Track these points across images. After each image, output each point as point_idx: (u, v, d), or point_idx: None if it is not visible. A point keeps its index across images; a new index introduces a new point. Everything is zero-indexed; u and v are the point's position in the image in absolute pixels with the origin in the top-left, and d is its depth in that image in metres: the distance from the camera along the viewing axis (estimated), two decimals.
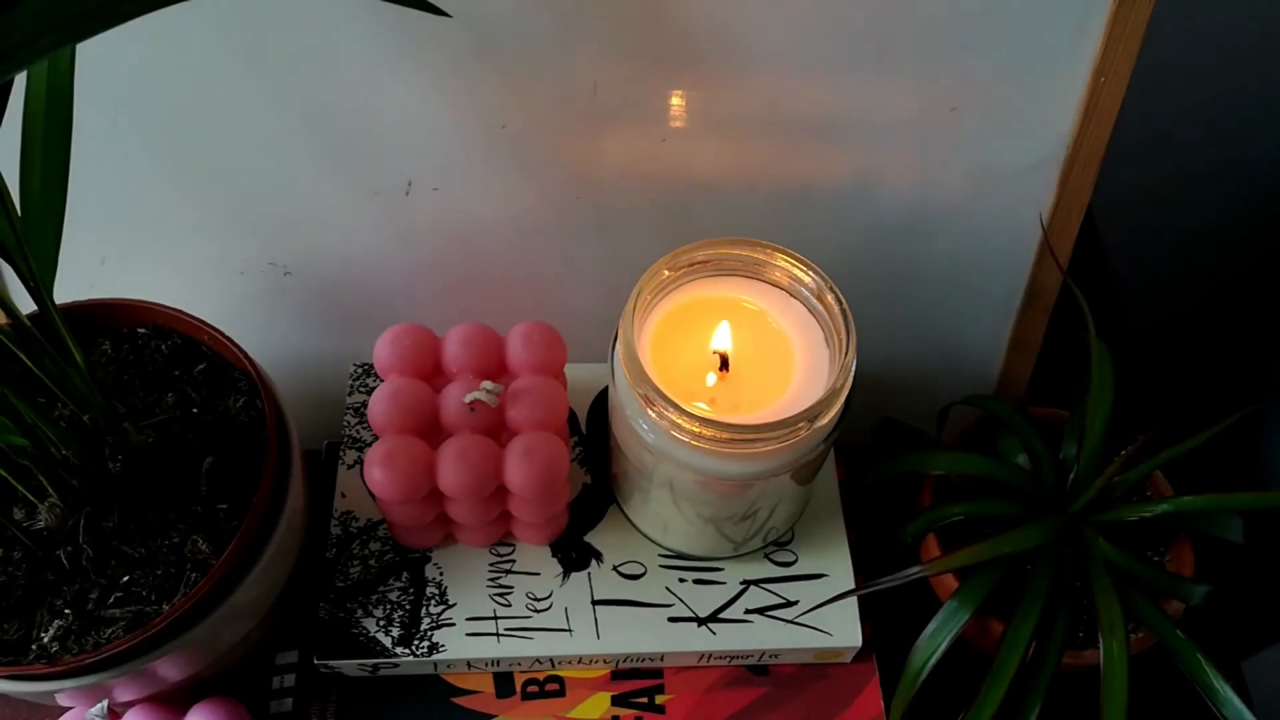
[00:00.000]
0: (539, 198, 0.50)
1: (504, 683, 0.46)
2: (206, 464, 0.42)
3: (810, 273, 0.42)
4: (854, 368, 0.39)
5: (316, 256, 0.52)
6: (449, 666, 0.46)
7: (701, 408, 0.41)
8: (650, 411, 0.39)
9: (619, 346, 0.40)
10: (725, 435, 0.38)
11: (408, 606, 0.46)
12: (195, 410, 0.43)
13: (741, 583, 0.47)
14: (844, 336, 0.40)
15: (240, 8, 0.43)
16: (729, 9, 0.43)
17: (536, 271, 0.53)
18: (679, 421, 0.39)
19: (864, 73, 0.46)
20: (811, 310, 0.43)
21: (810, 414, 0.38)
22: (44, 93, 0.34)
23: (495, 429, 0.43)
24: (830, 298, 0.41)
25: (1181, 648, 0.43)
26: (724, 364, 0.43)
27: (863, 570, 0.47)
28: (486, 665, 0.46)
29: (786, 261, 0.42)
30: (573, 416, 0.51)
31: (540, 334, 0.45)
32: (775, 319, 0.44)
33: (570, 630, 0.45)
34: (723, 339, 0.43)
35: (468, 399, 0.42)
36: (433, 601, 0.46)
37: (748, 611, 0.46)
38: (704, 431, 0.38)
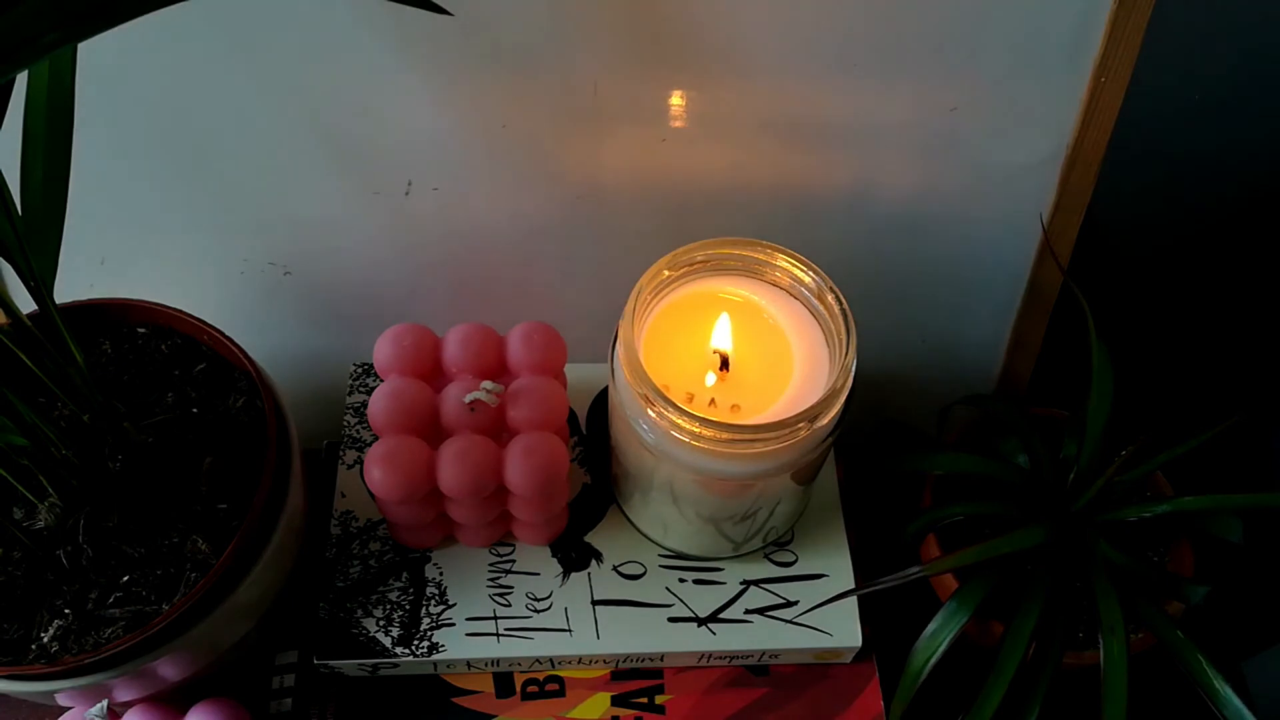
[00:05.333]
0: (539, 198, 0.50)
1: (504, 683, 0.46)
2: (206, 464, 0.42)
3: (810, 273, 0.42)
4: (854, 368, 0.39)
5: (316, 256, 0.52)
6: (449, 666, 0.46)
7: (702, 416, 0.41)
8: (650, 411, 0.39)
9: (619, 347, 0.40)
10: (725, 435, 0.38)
11: (407, 606, 0.46)
12: (195, 410, 0.43)
13: (741, 583, 0.47)
14: (844, 337, 0.40)
15: (241, 8, 0.43)
16: (729, 10, 0.43)
17: (536, 271, 0.53)
18: (679, 421, 0.39)
19: (864, 73, 0.46)
20: (811, 310, 0.43)
21: (810, 414, 0.38)
22: (45, 92, 0.34)
23: (495, 429, 0.43)
24: (830, 298, 0.41)
25: (1181, 648, 0.43)
26: (724, 364, 0.43)
27: (863, 570, 0.47)
28: (486, 665, 0.46)
29: (787, 262, 0.42)
30: (573, 416, 0.51)
31: (540, 334, 0.45)
32: (775, 319, 0.44)
33: (570, 630, 0.45)
34: (723, 338, 0.43)
35: (468, 399, 0.42)
36: (432, 601, 0.46)
37: (748, 611, 0.46)
38: (704, 431, 0.38)
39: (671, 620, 0.46)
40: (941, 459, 0.50)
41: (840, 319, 0.41)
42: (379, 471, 0.41)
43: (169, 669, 0.39)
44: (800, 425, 0.38)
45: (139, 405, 0.43)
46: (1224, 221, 0.84)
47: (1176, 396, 0.68)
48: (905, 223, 0.51)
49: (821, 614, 0.46)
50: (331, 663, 0.44)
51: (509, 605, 0.46)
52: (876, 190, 0.50)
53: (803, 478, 0.43)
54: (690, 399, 0.42)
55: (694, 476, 0.41)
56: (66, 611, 0.38)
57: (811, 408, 0.38)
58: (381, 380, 0.45)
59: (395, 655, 0.44)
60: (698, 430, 0.38)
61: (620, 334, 0.40)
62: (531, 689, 0.46)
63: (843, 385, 0.39)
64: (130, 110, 0.46)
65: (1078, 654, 0.45)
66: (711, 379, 0.43)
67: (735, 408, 0.42)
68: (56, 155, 0.35)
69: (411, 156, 0.48)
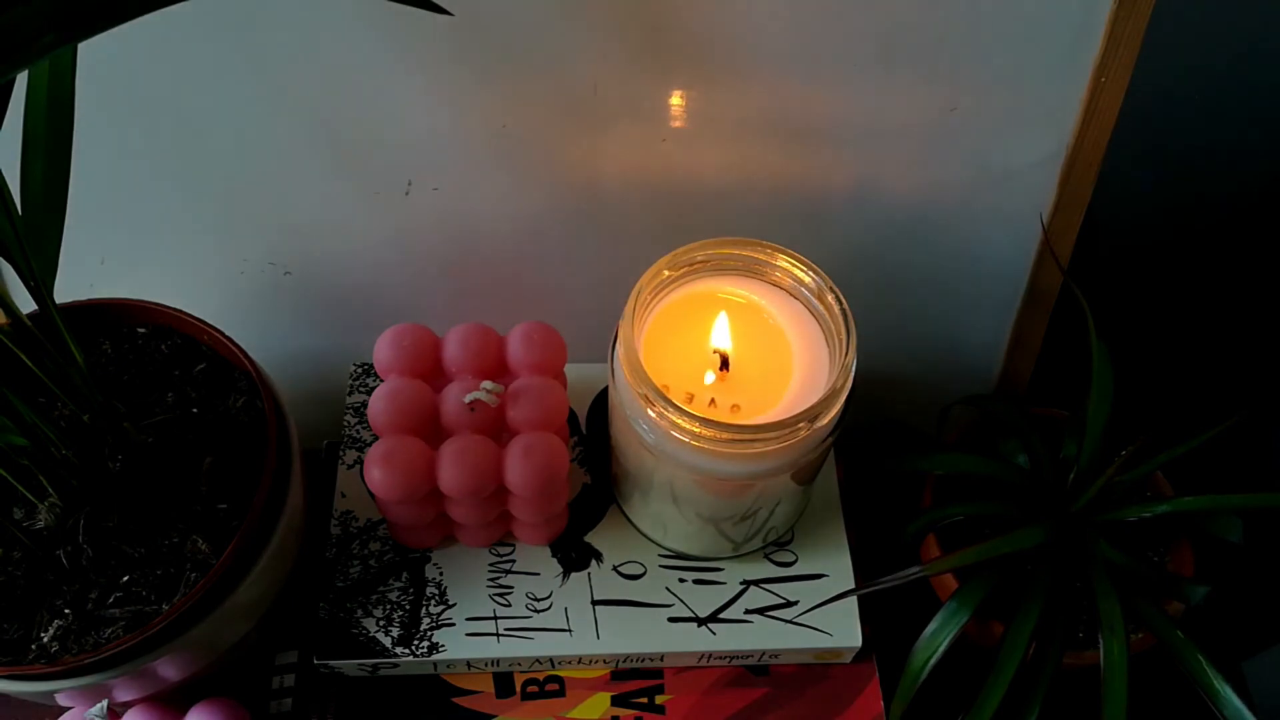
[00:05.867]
0: (539, 198, 0.50)
1: (504, 683, 0.46)
2: (206, 464, 0.42)
3: (810, 273, 0.42)
4: (854, 368, 0.39)
5: (316, 256, 0.52)
6: (449, 666, 0.46)
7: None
8: (650, 411, 0.39)
9: (619, 347, 0.40)
10: (725, 435, 0.38)
11: (407, 606, 0.46)
12: (195, 410, 0.43)
13: (741, 583, 0.47)
14: (844, 337, 0.40)
15: (241, 7, 0.43)
16: (730, 10, 0.43)
17: (536, 271, 0.53)
18: (678, 421, 0.39)
19: (864, 73, 0.46)
20: (812, 310, 0.43)
21: (810, 414, 0.38)
22: (45, 92, 0.34)
23: (495, 429, 0.43)
24: (830, 298, 0.41)
25: (1181, 648, 0.43)
26: (724, 364, 0.43)
27: (863, 570, 0.47)
28: (486, 665, 0.46)
29: (787, 262, 0.42)
30: (573, 416, 0.51)
31: (540, 334, 0.45)
32: (775, 319, 0.44)
33: (570, 630, 0.45)
34: (722, 337, 0.43)
35: (467, 399, 0.42)
36: (432, 601, 0.46)
37: (748, 611, 0.46)
38: (703, 431, 0.38)
39: (671, 620, 0.46)
40: (941, 459, 0.50)
41: (840, 319, 0.41)
42: (379, 471, 0.41)
43: (169, 669, 0.39)
44: (800, 425, 0.38)
45: (139, 405, 0.43)
46: (1224, 221, 0.84)
47: (1176, 396, 0.68)
48: (905, 223, 0.51)
49: (821, 614, 0.46)
50: (331, 663, 0.44)
51: (509, 605, 0.46)
52: (876, 190, 0.50)
53: (803, 478, 0.43)
54: (690, 399, 0.42)
55: (694, 476, 0.41)
56: (66, 611, 0.38)
57: (811, 408, 0.38)
58: (381, 380, 0.45)
59: (395, 655, 0.44)
60: (698, 430, 0.38)
61: (620, 334, 0.40)
62: (531, 689, 0.46)
63: (843, 385, 0.39)
64: (130, 110, 0.46)
65: (1078, 654, 0.45)
66: (711, 379, 0.43)
67: (735, 408, 0.42)
68: (56, 155, 0.35)
69: (411, 156, 0.48)
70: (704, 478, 0.41)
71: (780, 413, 0.40)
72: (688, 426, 0.38)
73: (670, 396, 0.39)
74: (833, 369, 0.41)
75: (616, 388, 0.42)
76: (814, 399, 0.39)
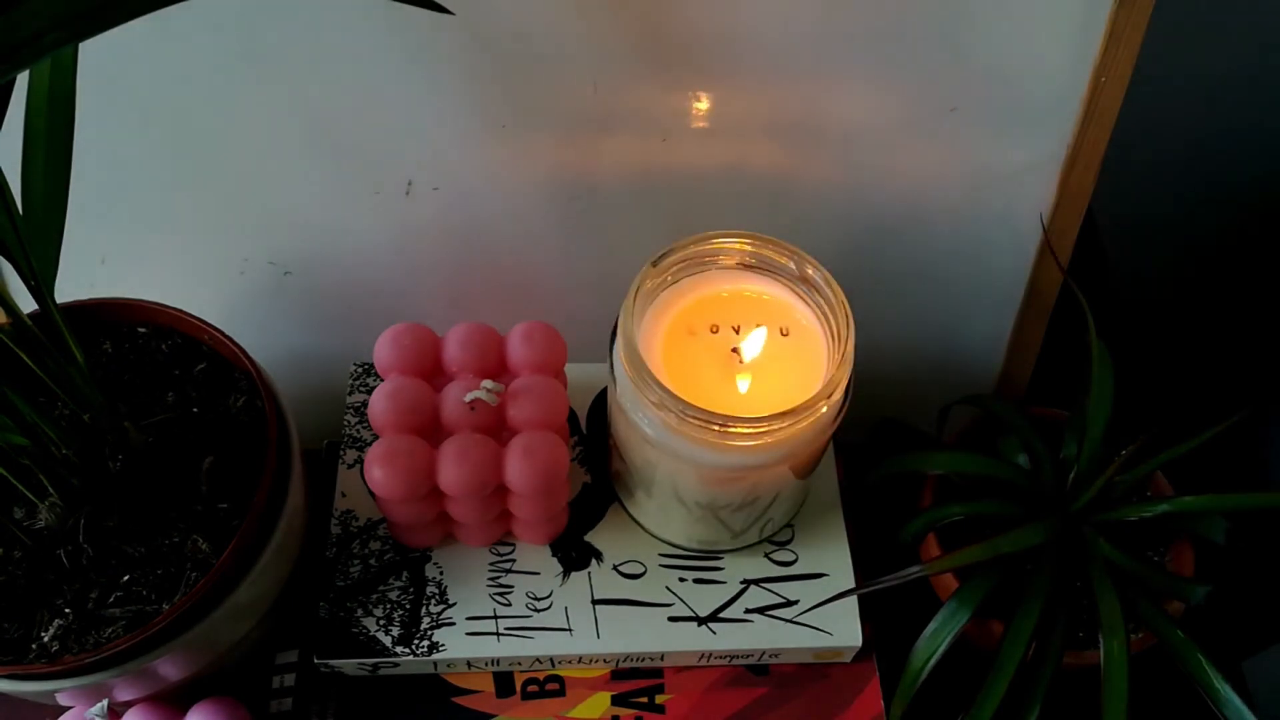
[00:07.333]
0: (539, 198, 0.50)
1: (504, 682, 0.46)
2: (207, 463, 0.42)
3: (810, 267, 0.42)
4: (853, 359, 0.39)
5: (316, 256, 0.52)
6: (449, 666, 0.46)
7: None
8: (649, 403, 0.39)
9: (619, 339, 0.40)
10: (722, 427, 0.38)
11: (408, 606, 0.46)
12: (195, 410, 0.43)
13: (741, 582, 0.47)
14: (843, 331, 0.40)
15: (241, 7, 0.43)
16: (729, 10, 0.43)
17: (536, 271, 0.53)
18: (677, 413, 0.39)
19: (864, 73, 0.46)
20: (811, 305, 0.43)
21: (809, 406, 0.38)
22: (46, 92, 0.34)
23: (495, 428, 0.43)
24: (829, 293, 0.41)
25: (1182, 648, 0.43)
26: (732, 357, 0.43)
27: (863, 570, 0.47)
28: (486, 665, 0.46)
29: (787, 257, 0.42)
30: (573, 416, 0.51)
31: (540, 333, 0.45)
32: (776, 313, 0.44)
33: (570, 630, 0.45)
34: (723, 331, 0.43)
35: (468, 398, 0.42)
36: (433, 601, 0.46)
37: (748, 611, 0.46)
38: (702, 423, 0.38)
39: (672, 620, 0.46)
40: (941, 459, 0.50)
41: (839, 312, 0.41)
42: (379, 471, 0.41)
43: (169, 668, 0.39)
44: (800, 417, 0.38)
45: (139, 405, 0.43)
46: (1224, 221, 0.84)
47: (1176, 396, 0.68)
48: (905, 222, 0.51)
49: (822, 613, 0.46)
50: (332, 662, 0.44)
51: (509, 604, 0.46)
52: (876, 190, 0.50)
53: (802, 471, 0.43)
54: (689, 391, 0.42)
55: (693, 468, 0.41)
56: (67, 611, 0.38)
57: (810, 400, 0.39)
58: (382, 380, 0.45)
59: (395, 655, 0.44)
60: (696, 422, 0.38)
61: (620, 326, 0.40)
62: (531, 688, 0.46)
63: (841, 378, 0.39)
64: (131, 110, 0.46)
65: (1078, 654, 0.45)
66: (712, 374, 0.43)
67: (735, 400, 0.42)
68: (57, 155, 0.35)
69: (411, 156, 0.48)
70: (704, 469, 0.41)
71: (778, 405, 0.40)
72: (686, 418, 0.38)
73: (672, 390, 0.39)
74: (831, 363, 0.41)
75: (616, 381, 0.42)
76: (814, 392, 0.39)
